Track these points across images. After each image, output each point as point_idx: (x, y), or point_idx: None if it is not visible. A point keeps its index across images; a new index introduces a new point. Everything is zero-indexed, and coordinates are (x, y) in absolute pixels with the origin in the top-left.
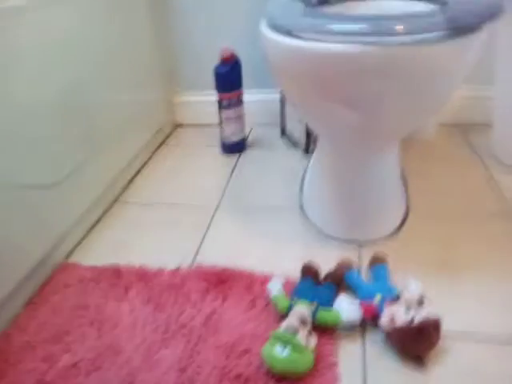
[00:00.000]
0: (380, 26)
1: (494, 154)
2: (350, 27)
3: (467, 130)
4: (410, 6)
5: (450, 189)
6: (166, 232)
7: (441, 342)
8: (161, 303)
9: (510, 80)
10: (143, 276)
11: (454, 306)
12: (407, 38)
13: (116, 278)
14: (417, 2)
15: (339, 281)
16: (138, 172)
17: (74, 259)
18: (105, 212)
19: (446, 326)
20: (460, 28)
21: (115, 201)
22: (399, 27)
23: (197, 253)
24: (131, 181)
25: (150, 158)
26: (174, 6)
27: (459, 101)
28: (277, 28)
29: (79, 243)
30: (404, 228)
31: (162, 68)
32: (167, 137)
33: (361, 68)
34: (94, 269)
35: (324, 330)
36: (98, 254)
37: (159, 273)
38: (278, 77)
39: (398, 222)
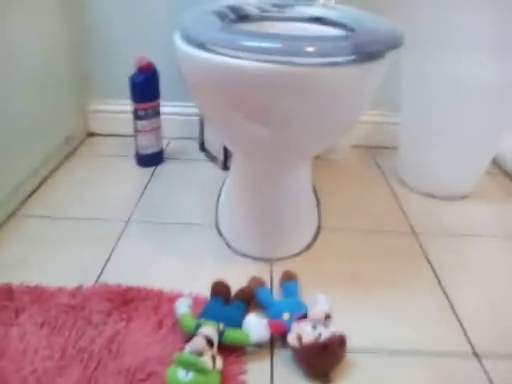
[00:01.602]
0: (291, 46)
1: (399, 175)
2: (262, 45)
3: (377, 153)
4: (320, 30)
5: (359, 207)
6: (69, 248)
7: (346, 357)
8: (57, 326)
9: (412, 108)
10: (39, 297)
11: (361, 321)
12: (316, 60)
13: (7, 299)
14: (327, 28)
15: (249, 299)
16: (42, 183)
17: None
18: (0, 226)
19: (351, 341)
20: (365, 54)
21: (13, 214)
22: (309, 48)
23: (102, 271)
24: (34, 193)
25: (56, 169)
26: (90, 9)
27: (370, 125)
28: (190, 40)
29: None
30: (315, 244)
31: (75, 73)
32: (78, 146)
33: (271, 86)
34: None
35: (232, 349)
36: None
37: (57, 293)
38: (192, 89)
39: (309, 238)
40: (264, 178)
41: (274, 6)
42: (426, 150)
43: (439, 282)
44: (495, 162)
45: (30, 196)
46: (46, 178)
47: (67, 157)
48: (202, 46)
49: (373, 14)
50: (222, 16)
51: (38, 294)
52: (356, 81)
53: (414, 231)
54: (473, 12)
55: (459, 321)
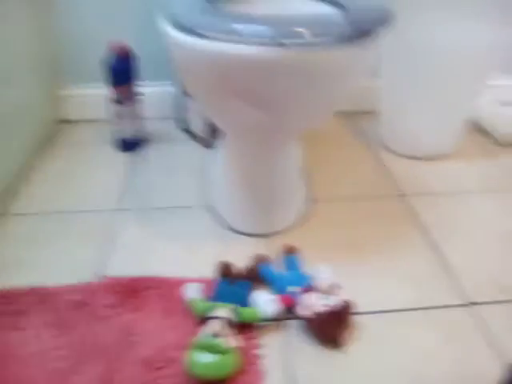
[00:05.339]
0: (287, 29)
1: (382, 140)
2: (258, 29)
3: (357, 118)
4: (307, 7)
5: (346, 175)
6: (63, 244)
7: (353, 321)
8: (66, 325)
9: (392, 73)
10: (42, 296)
11: (361, 285)
12: (313, 41)
13: (7, 302)
14: (313, 3)
15: (254, 276)
16: (23, 178)
17: None
18: None
19: (355, 305)
20: (360, 32)
21: (0, 214)
22: (306, 31)
23: (100, 263)
24: (17, 189)
25: (34, 161)
26: None
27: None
28: (180, 26)
29: None
30: (308, 216)
31: (44, 58)
32: (53, 135)
33: (268, 70)
34: None
35: (244, 326)
36: None
37: (60, 290)
38: (183, 74)
39: (302, 210)
40: (256, 157)
41: None
42: (406, 113)
43: (430, 240)
44: (474, 123)
45: (14, 193)
46: (25, 173)
47: (43, 147)
48: (192, 31)
49: None
50: None
51: (40, 294)
52: (351, 59)
53: (401, 194)
54: None
55: (453, 274)
